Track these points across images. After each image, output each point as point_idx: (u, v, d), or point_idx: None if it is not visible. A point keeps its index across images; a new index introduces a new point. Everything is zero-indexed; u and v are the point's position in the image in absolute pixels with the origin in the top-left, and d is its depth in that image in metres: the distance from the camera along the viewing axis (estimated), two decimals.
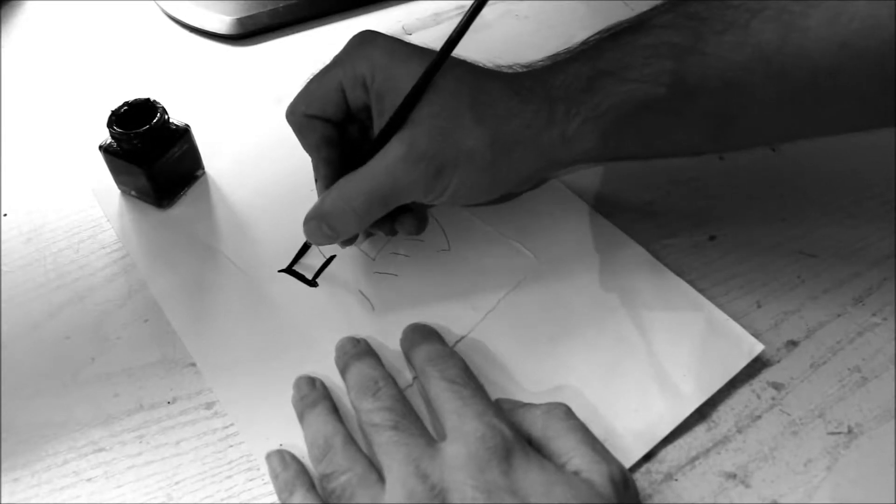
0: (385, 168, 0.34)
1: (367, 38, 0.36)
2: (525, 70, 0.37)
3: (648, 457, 0.34)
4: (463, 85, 0.34)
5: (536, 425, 0.32)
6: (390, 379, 0.35)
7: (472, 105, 0.34)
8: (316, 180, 0.39)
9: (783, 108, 0.34)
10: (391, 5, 0.58)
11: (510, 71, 0.37)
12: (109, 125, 0.41)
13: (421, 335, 0.37)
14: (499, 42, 0.54)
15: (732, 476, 0.34)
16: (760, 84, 0.32)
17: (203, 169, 0.46)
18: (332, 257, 0.42)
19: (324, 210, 0.36)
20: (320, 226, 0.36)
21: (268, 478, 0.34)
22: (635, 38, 0.34)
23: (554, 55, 0.37)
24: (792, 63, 0.31)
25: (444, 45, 0.33)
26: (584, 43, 0.36)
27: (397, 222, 0.39)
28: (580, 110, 0.34)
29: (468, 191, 0.36)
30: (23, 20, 0.58)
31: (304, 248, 0.42)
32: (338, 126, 0.38)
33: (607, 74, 0.34)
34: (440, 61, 0.33)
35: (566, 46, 0.37)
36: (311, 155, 0.38)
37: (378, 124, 0.36)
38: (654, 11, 0.35)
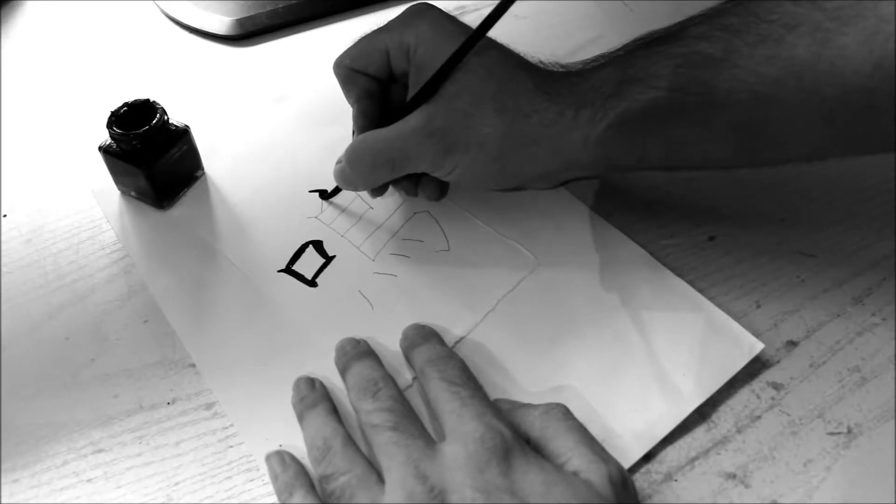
0: (399, 134, 0.36)
1: (419, 10, 0.38)
2: (561, 70, 0.37)
3: (648, 457, 0.34)
4: (493, 72, 0.35)
5: (535, 425, 0.32)
6: (390, 380, 0.35)
7: (496, 94, 0.35)
8: (353, 131, 0.40)
9: (813, 126, 0.33)
10: (391, 5, 0.58)
11: (546, 67, 0.37)
12: (109, 126, 0.41)
13: (421, 336, 0.37)
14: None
15: (732, 476, 0.34)
16: (791, 99, 0.32)
17: (203, 169, 0.46)
18: (332, 257, 0.42)
19: (345, 156, 0.39)
20: (343, 169, 0.39)
21: (267, 478, 0.34)
22: (667, 47, 0.34)
23: (591, 59, 0.37)
24: (824, 80, 0.31)
25: (478, 28, 0.34)
26: (618, 49, 0.36)
27: (420, 185, 0.41)
28: (606, 115, 0.34)
29: (475, 176, 0.37)
30: (23, 20, 0.58)
31: (304, 247, 0.42)
32: (381, 83, 0.39)
33: (637, 81, 0.34)
34: (471, 43, 0.34)
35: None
36: (351, 106, 0.40)
37: (411, 93, 0.37)
38: (688, 22, 0.35)
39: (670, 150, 0.36)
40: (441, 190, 0.41)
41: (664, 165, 0.37)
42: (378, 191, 0.41)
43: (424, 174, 0.40)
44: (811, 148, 0.35)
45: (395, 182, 0.41)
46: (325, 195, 0.44)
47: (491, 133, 0.35)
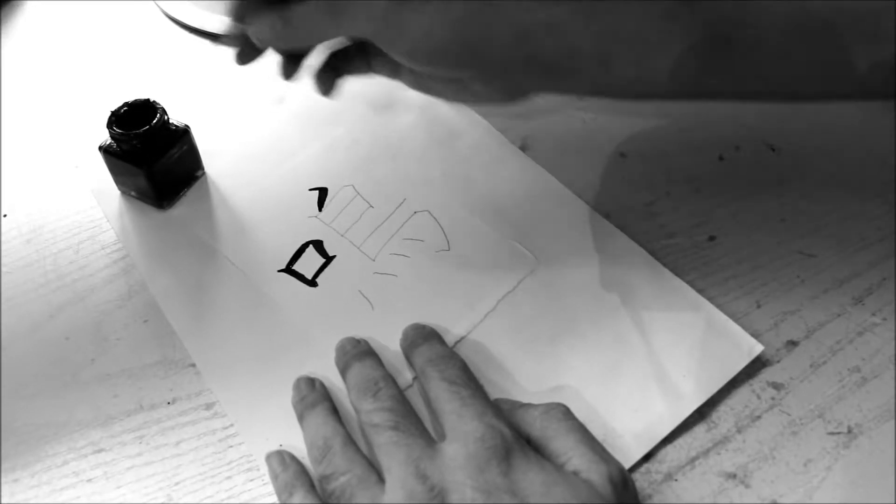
0: None
1: None
2: None
3: (648, 457, 0.34)
4: None
5: (535, 425, 0.32)
6: (390, 379, 0.35)
7: None
8: None
9: (779, 51, 0.32)
10: None
11: None
12: (109, 126, 0.41)
13: (421, 336, 0.37)
14: None
15: (732, 476, 0.34)
16: (759, 10, 0.31)
17: (203, 169, 0.46)
18: (332, 257, 0.42)
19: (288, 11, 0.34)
20: (276, 22, 0.35)
21: (267, 478, 0.34)
22: None
23: None
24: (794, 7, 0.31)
25: None
26: None
27: (373, 65, 0.39)
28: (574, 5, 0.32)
29: (428, 47, 0.33)
30: (23, 20, 0.58)
31: (304, 247, 0.42)
32: None
33: None
34: None
35: None
36: None
37: None
38: None
39: (639, 52, 0.33)
40: (392, 68, 0.38)
41: (633, 75, 0.34)
42: (290, 68, 0.39)
43: (377, 54, 0.36)
44: (774, 75, 0.34)
45: (346, 61, 0.38)
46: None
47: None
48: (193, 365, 0.38)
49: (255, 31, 0.36)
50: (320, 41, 0.37)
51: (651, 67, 0.33)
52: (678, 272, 0.40)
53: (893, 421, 0.35)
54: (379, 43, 0.34)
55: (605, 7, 0.32)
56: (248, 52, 0.38)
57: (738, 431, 0.35)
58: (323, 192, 0.45)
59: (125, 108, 0.42)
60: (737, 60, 0.33)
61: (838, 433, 0.35)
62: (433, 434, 0.33)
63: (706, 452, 0.34)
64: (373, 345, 0.38)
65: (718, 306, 0.38)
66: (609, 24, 0.33)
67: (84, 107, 0.51)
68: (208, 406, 0.37)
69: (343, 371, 0.36)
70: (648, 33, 0.33)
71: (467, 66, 0.35)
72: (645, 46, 0.33)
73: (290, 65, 0.39)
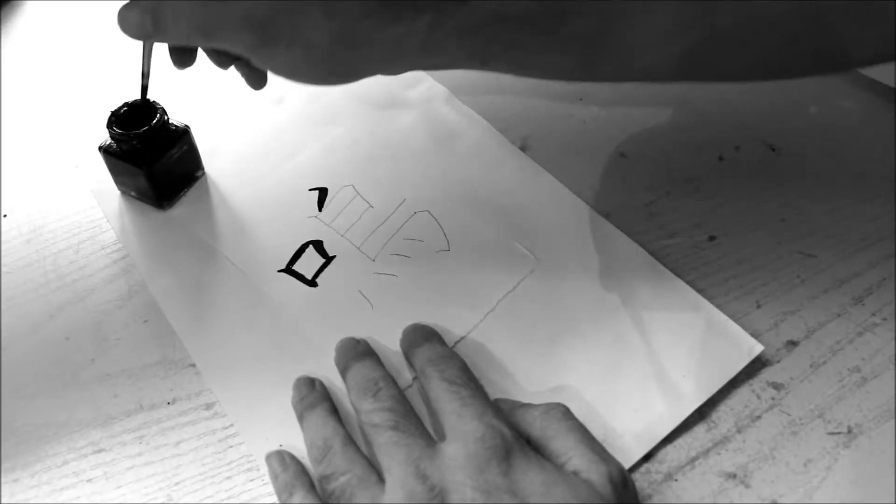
0: (219, 8, 0.33)
1: None
2: None
3: (648, 457, 0.34)
4: None
5: (535, 425, 0.32)
6: (390, 379, 0.35)
7: None
8: None
9: (657, 40, 0.32)
10: None
11: None
12: (109, 126, 0.41)
13: (421, 335, 0.37)
14: None
15: (732, 476, 0.34)
16: (638, 11, 0.31)
17: (203, 169, 0.46)
18: (332, 257, 0.42)
19: (157, 3, 0.34)
20: (145, 17, 0.35)
21: (267, 478, 0.34)
22: None
23: None
24: None
25: None
26: None
27: (238, 65, 0.39)
28: (446, 22, 0.33)
29: (298, 73, 0.35)
30: (23, 20, 0.58)
31: (304, 247, 0.42)
32: None
33: None
34: None
35: None
36: None
37: None
38: None
39: (513, 57, 0.34)
40: (257, 79, 0.39)
41: (507, 71, 0.36)
42: (181, 59, 0.39)
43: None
44: (653, 65, 0.34)
45: (207, 51, 0.38)
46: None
47: (318, 35, 0.33)
48: (193, 365, 0.38)
49: (122, 24, 0.36)
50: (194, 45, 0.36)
51: (525, 70, 0.35)
52: (678, 272, 0.40)
53: (893, 421, 0.35)
54: (255, 61, 0.35)
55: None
56: (180, 56, 0.39)
57: (738, 431, 0.35)
58: (323, 192, 0.45)
59: (125, 108, 0.42)
60: (612, 61, 0.34)
61: (838, 433, 0.35)
62: (433, 434, 0.33)
63: (706, 452, 0.34)
64: (373, 345, 0.38)
65: (718, 306, 0.38)
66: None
67: (84, 107, 0.51)
68: (208, 406, 0.37)
69: (343, 371, 0.36)
70: (521, 43, 0.33)
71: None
72: (518, 54, 0.34)
73: (180, 54, 0.39)
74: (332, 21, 0.32)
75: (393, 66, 0.35)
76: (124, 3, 0.36)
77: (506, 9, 0.32)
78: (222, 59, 0.39)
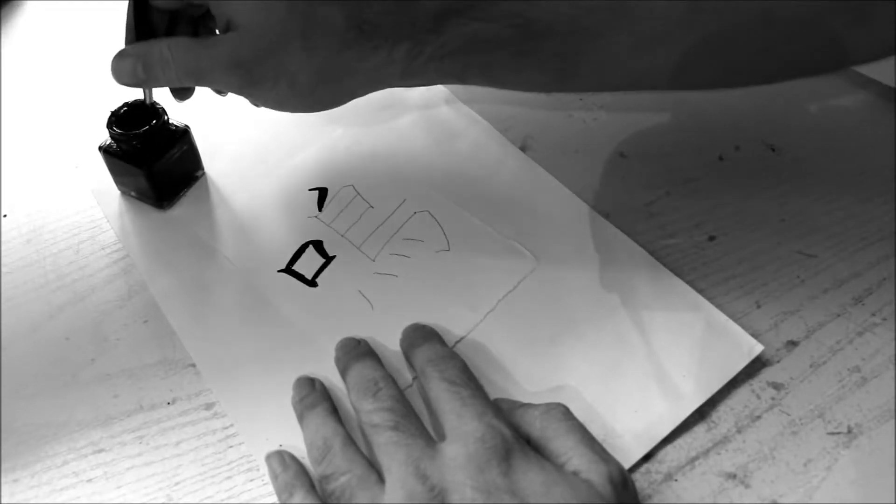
0: (208, 55, 0.35)
1: None
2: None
3: (648, 457, 0.34)
4: (295, 8, 0.34)
5: (535, 425, 0.32)
6: (390, 379, 0.35)
7: (304, 32, 0.34)
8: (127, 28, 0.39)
9: (628, 55, 0.33)
10: None
11: None
12: (109, 126, 0.41)
13: (421, 336, 0.37)
14: None
15: (732, 476, 0.34)
16: (605, 29, 0.32)
17: (203, 169, 0.46)
18: (332, 257, 0.42)
19: (146, 51, 0.36)
20: (136, 65, 0.36)
21: (267, 478, 0.34)
22: None
23: None
24: (638, 11, 0.31)
25: None
26: None
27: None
28: (424, 50, 0.34)
29: (285, 105, 0.37)
30: (23, 20, 0.58)
31: (304, 247, 0.42)
32: None
33: (455, 13, 0.34)
34: None
35: None
36: None
37: None
38: None
39: (491, 75, 0.36)
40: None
41: (486, 85, 0.38)
42: (180, 94, 0.42)
43: None
44: (627, 78, 0.35)
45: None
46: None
47: (301, 72, 0.35)
48: (193, 365, 0.38)
49: (115, 73, 0.37)
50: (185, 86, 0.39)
51: (503, 85, 0.37)
52: (678, 272, 0.40)
53: (893, 421, 0.35)
54: (245, 98, 0.37)
55: None
56: (178, 92, 0.41)
57: (738, 431, 0.35)
58: (323, 192, 0.45)
59: (125, 109, 0.42)
60: (587, 75, 0.35)
61: (838, 433, 0.35)
62: (433, 434, 0.33)
63: (706, 452, 0.34)
64: (373, 345, 0.38)
65: (718, 306, 0.38)
66: None
67: (84, 107, 0.51)
68: (208, 406, 0.37)
69: (343, 371, 0.36)
70: (498, 64, 0.35)
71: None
72: (496, 73, 0.36)
73: (178, 90, 0.41)
74: (313, 57, 0.34)
75: (376, 89, 0.37)
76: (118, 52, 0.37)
77: (481, 34, 0.33)
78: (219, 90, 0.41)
